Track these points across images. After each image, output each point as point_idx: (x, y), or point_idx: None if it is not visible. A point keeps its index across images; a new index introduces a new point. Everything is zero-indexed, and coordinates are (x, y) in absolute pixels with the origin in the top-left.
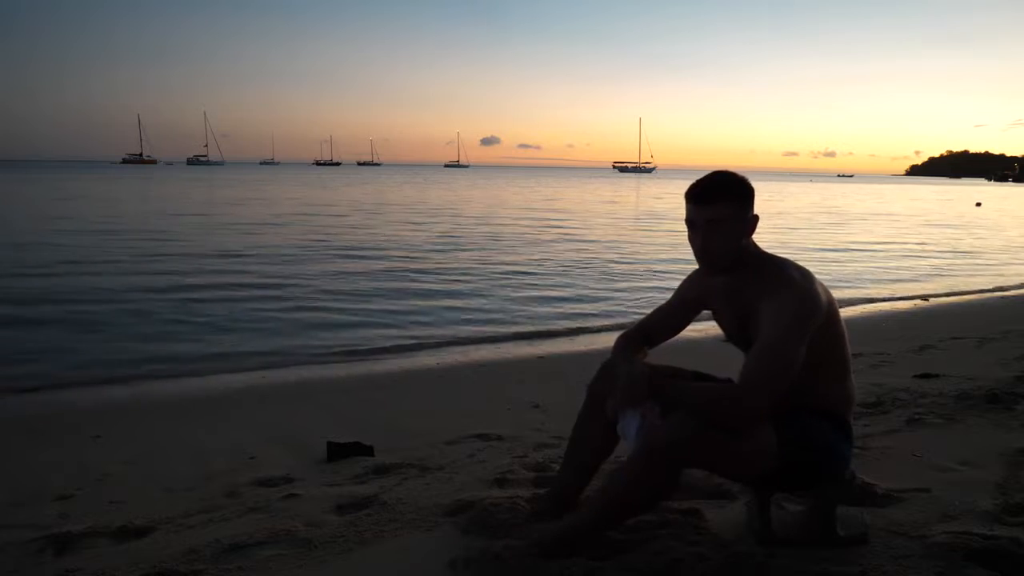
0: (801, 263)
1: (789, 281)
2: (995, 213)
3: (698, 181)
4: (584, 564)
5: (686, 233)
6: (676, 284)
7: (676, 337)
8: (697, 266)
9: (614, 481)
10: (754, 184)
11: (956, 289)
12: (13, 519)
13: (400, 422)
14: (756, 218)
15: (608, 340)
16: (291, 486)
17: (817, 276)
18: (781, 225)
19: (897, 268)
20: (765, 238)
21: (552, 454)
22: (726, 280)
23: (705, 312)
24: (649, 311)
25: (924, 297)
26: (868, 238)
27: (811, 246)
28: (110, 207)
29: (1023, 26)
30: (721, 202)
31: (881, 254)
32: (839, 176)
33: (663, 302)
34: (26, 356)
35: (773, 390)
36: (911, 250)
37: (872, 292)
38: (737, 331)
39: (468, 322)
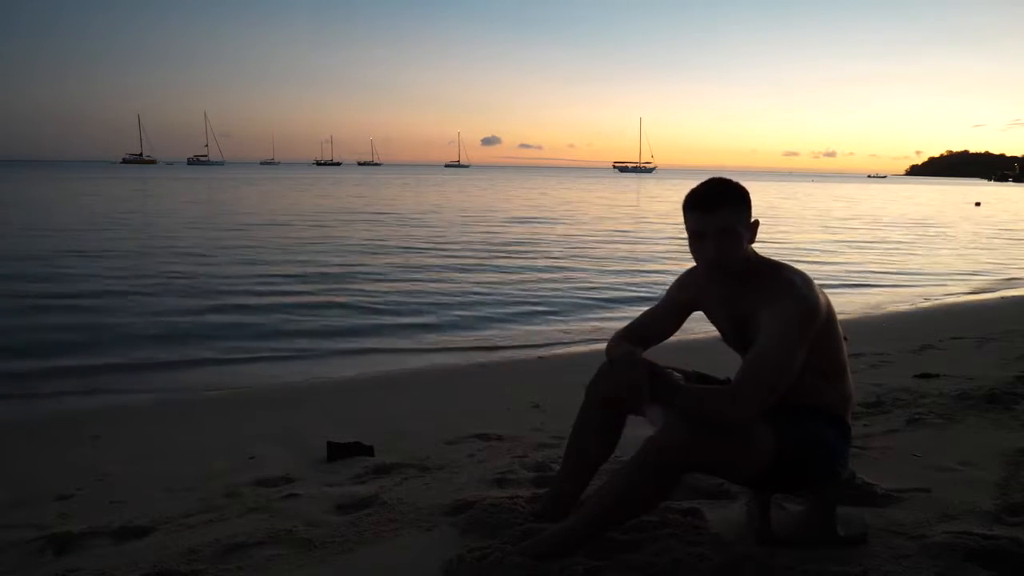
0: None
1: (789, 286)
2: (996, 213)
3: (699, 190)
4: (584, 564)
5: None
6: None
7: (677, 336)
8: (685, 269)
9: (614, 483)
10: (760, 185)
11: (957, 289)
12: (13, 519)
13: (400, 422)
14: (757, 223)
15: (607, 338)
16: (291, 486)
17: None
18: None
19: (899, 268)
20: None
21: (552, 454)
22: (725, 284)
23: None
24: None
25: (924, 297)
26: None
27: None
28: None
29: (1022, 26)
30: (727, 208)
31: (883, 255)
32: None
33: (654, 304)
34: (26, 356)
35: (769, 394)
36: (912, 249)
37: (872, 291)
38: (735, 334)
39: (468, 321)
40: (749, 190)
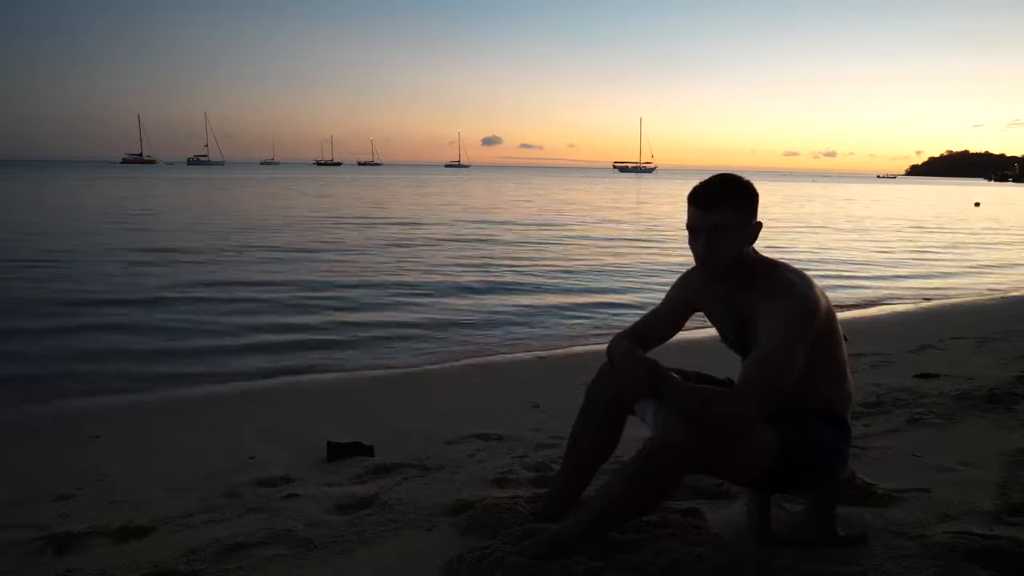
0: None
1: (789, 286)
2: (997, 213)
3: (702, 184)
4: (584, 564)
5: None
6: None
7: (677, 336)
8: (687, 269)
9: (614, 483)
10: (762, 186)
11: (957, 289)
12: (13, 519)
13: (400, 422)
14: (759, 225)
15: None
16: (291, 486)
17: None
18: None
19: (899, 268)
20: None
21: (552, 454)
22: (724, 284)
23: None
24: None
25: (925, 297)
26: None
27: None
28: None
29: (1021, 27)
30: (726, 207)
31: (884, 254)
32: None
33: (656, 305)
34: (26, 356)
35: (772, 395)
36: (913, 249)
37: (872, 292)
38: (734, 335)
39: (468, 322)
40: None
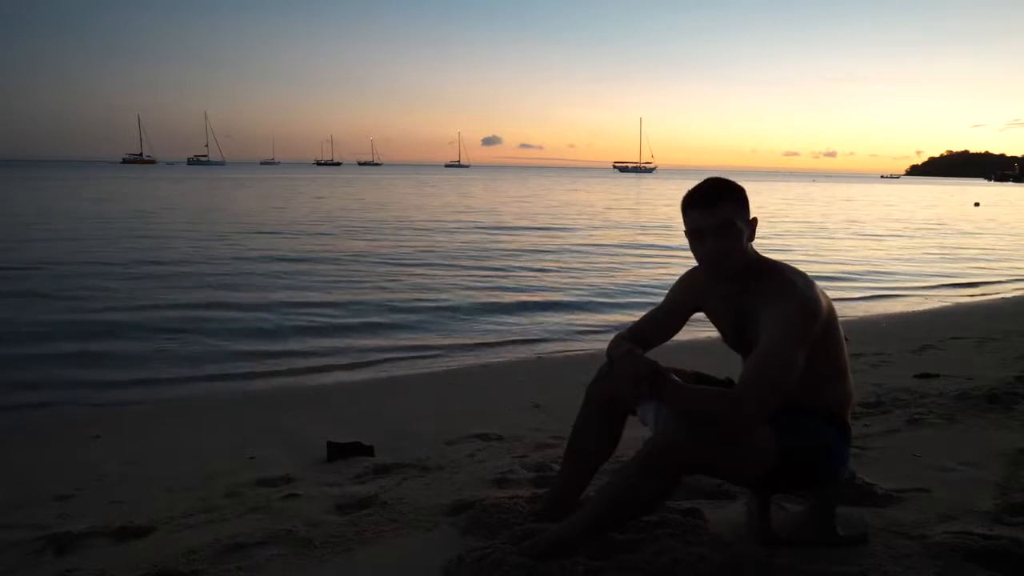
0: None
1: (791, 286)
2: (997, 214)
3: (697, 188)
4: (584, 564)
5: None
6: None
7: (677, 337)
8: (685, 270)
9: (614, 483)
10: (764, 186)
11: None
12: (13, 519)
13: (400, 422)
14: (755, 220)
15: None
16: (291, 486)
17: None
18: None
19: (900, 268)
20: None
21: (552, 454)
22: (725, 285)
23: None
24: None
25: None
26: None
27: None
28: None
29: (1022, 27)
30: (727, 204)
31: (884, 254)
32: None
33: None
34: (26, 356)
35: (773, 396)
36: (913, 250)
37: (873, 292)
38: (735, 335)
39: (467, 322)
40: (752, 191)
